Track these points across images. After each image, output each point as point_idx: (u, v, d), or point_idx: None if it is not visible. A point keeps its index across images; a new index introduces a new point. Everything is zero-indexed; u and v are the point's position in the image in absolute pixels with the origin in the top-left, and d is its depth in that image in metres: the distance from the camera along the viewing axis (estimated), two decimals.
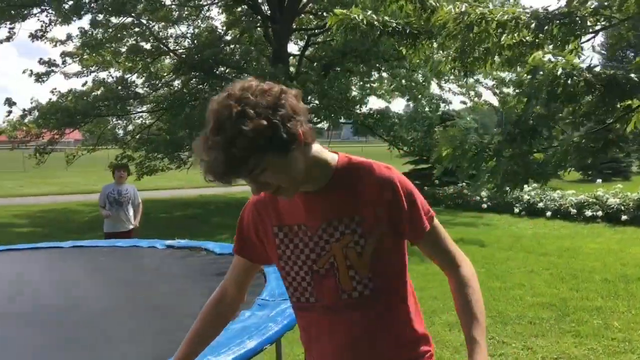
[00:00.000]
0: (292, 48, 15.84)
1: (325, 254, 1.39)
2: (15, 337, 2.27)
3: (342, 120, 14.39)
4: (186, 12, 14.12)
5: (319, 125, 15.87)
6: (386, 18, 4.15)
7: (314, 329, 1.48)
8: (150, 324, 2.42)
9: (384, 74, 14.58)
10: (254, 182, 1.27)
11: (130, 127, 14.08)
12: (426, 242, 1.44)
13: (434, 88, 13.79)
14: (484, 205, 11.84)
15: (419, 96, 12.98)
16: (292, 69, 14.30)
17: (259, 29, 14.11)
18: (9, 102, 11.44)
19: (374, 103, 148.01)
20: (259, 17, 13.82)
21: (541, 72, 3.21)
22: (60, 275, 3.48)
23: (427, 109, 13.07)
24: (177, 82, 13.81)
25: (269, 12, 14.03)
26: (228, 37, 14.43)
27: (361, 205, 1.37)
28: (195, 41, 13.69)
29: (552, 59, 3.48)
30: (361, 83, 14.93)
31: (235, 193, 17.31)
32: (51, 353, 2.11)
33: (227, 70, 13.60)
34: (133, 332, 2.32)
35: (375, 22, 4.02)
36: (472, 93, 13.68)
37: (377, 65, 12.54)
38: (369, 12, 4.16)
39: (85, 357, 2.06)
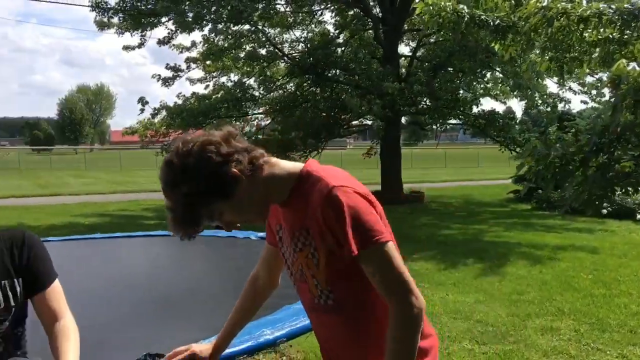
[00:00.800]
0: (404, 49, 15.86)
1: (295, 261, 1.50)
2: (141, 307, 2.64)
3: (452, 121, 14.21)
4: (300, 18, 14.65)
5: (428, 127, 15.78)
6: (475, 11, 4.11)
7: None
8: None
9: (498, 74, 14.18)
10: (220, 223, 1.41)
11: (247, 128, 14.83)
12: (364, 266, 1.38)
13: (551, 86, 13.20)
14: (604, 211, 11.13)
15: (531, 93, 12.47)
16: (402, 70, 14.35)
17: (370, 31, 14.31)
18: (142, 102, 12.57)
19: (490, 104, 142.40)
20: (369, 19, 14.01)
21: (625, 82, 3.03)
22: (165, 259, 3.89)
23: (541, 108, 12.52)
24: (290, 85, 14.38)
25: (380, 13, 14.18)
26: (340, 40, 14.77)
27: (309, 218, 1.40)
28: (309, 45, 14.17)
29: (637, 67, 3.26)
30: (474, 83, 14.61)
31: None
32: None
33: (337, 73, 13.93)
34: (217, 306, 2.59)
35: (464, 13, 3.99)
36: (593, 92, 12.89)
37: (488, 62, 12.22)
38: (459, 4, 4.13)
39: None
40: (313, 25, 15.10)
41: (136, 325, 2.54)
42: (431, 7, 3.99)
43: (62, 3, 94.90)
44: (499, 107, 49.54)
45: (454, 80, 13.48)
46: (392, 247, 1.39)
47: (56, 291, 1.84)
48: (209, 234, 4.74)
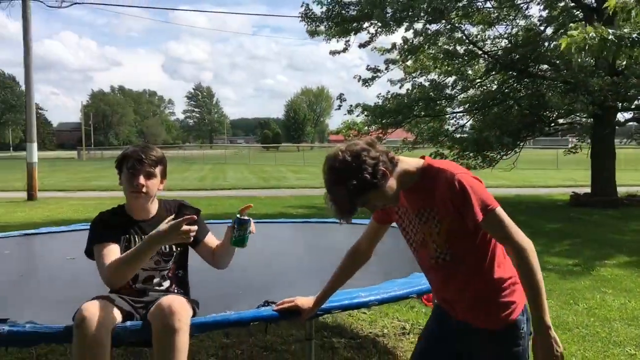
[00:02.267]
0: None
1: (418, 232, 1.98)
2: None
3: None
4: (504, 13, 14.29)
5: None
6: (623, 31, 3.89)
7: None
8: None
9: None
10: (367, 207, 1.89)
11: (446, 127, 14.93)
12: (486, 228, 1.87)
13: None
14: None
15: None
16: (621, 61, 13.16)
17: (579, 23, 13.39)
18: (340, 98, 13.54)
19: None
20: (580, 10, 13.13)
21: None
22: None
23: None
24: (488, 82, 14.11)
25: (595, 3, 13.20)
26: (546, 34, 14.07)
27: (436, 199, 1.88)
28: (512, 41, 13.77)
29: None
30: None
31: (554, 195, 16.79)
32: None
33: (540, 68, 13.32)
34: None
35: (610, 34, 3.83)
36: None
37: None
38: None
39: None
40: (518, 20, 14.59)
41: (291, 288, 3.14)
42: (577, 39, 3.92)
43: (289, 16, 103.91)
44: None
45: None
46: (502, 210, 1.88)
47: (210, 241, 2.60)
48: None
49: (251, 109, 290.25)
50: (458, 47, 13.18)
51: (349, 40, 13.16)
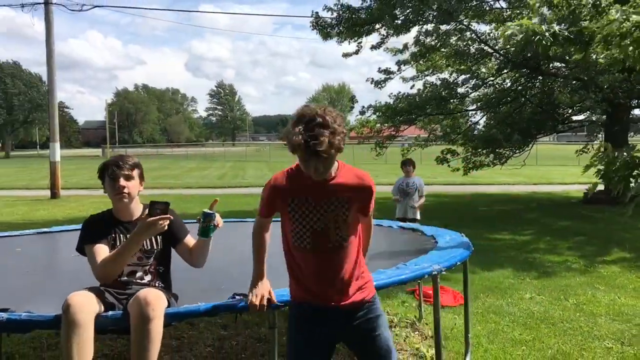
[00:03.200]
0: None
1: (320, 219, 2.26)
2: None
3: None
4: (517, 12, 14.30)
5: None
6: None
7: (305, 264, 2.32)
8: None
9: None
10: (303, 163, 2.17)
11: (460, 125, 15.00)
12: (368, 217, 2.42)
13: None
14: None
15: None
16: None
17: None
18: (352, 100, 13.75)
19: None
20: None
21: None
22: None
23: None
24: (500, 80, 14.16)
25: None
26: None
27: (349, 190, 2.27)
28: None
29: None
30: None
31: (570, 192, 16.77)
32: None
33: (555, 65, 13.33)
34: None
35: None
36: None
37: None
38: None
39: None
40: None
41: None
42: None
43: (304, 17, 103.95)
44: None
45: None
46: None
47: (189, 241, 2.88)
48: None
49: (273, 106, 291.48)
50: (470, 46, 13.25)
51: (360, 42, 13.34)
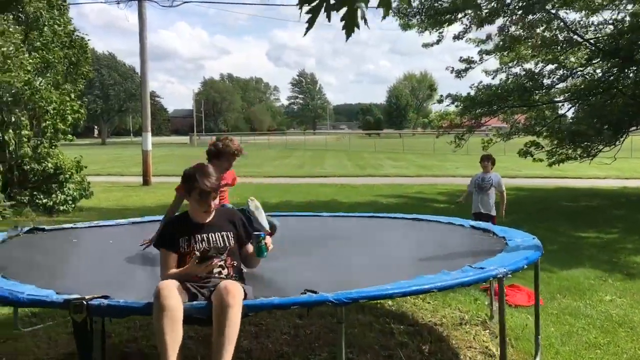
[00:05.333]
0: None
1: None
2: None
3: None
4: None
5: None
6: None
7: None
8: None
9: None
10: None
11: (545, 117, 14.46)
12: None
13: None
14: None
15: None
16: None
17: None
18: (431, 88, 13.60)
19: None
20: None
21: None
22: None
23: None
24: (590, 71, 13.54)
25: None
26: None
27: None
28: (618, 27, 13.10)
29: None
30: None
31: None
32: None
33: None
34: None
35: None
36: None
37: None
38: None
39: None
40: (626, 4, 13.79)
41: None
42: None
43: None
44: None
45: None
46: None
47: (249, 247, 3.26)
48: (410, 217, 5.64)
49: (353, 94, 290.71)
50: (558, 34, 12.74)
51: (442, 32, 13.13)
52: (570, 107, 13.94)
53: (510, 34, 12.89)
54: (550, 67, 13.33)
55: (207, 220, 3.14)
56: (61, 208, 10.81)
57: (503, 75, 13.64)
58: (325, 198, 14.07)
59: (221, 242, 3.08)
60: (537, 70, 13.16)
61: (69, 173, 11.02)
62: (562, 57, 13.03)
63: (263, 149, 45.49)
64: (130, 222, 5.40)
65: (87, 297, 2.58)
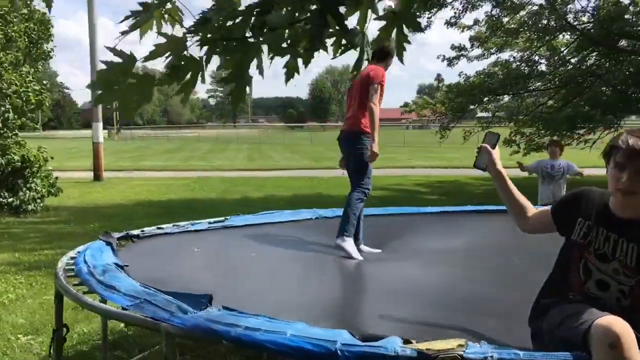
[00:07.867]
0: None
1: None
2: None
3: None
4: None
5: None
6: None
7: None
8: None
9: None
10: None
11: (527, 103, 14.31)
12: None
13: None
14: None
15: None
16: None
17: None
18: (439, 79, 13.13)
19: None
20: None
21: None
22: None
23: None
24: (575, 59, 13.55)
25: None
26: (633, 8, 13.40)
27: None
28: (595, 14, 13.14)
29: None
30: None
31: None
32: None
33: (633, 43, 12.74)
34: None
35: None
36: None
37: None
38: None
39: None
40: None
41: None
42: None
43: None
44: None
45: None
46: None
47: None
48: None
49: (270, 89, 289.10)
50: (550, 20, 12.60)
51: (430, 18, 12.59)
52: (553, 95, 13.82)
53: (499, 17, 12.64)
54: (538, 54, 13.22)
55: (629, 217, 2.01)
56: (29, 207, 9.29)
57: (486, 63, 13.40)
58: (310, 191, 13.26)
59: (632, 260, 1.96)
60: (530, 57, 12.97)
61: (36, 167, 9.48)
62: (552, 43, 12.91)
63: (194, 143, 43.60)
64: (222, 225, 4.23)
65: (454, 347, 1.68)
